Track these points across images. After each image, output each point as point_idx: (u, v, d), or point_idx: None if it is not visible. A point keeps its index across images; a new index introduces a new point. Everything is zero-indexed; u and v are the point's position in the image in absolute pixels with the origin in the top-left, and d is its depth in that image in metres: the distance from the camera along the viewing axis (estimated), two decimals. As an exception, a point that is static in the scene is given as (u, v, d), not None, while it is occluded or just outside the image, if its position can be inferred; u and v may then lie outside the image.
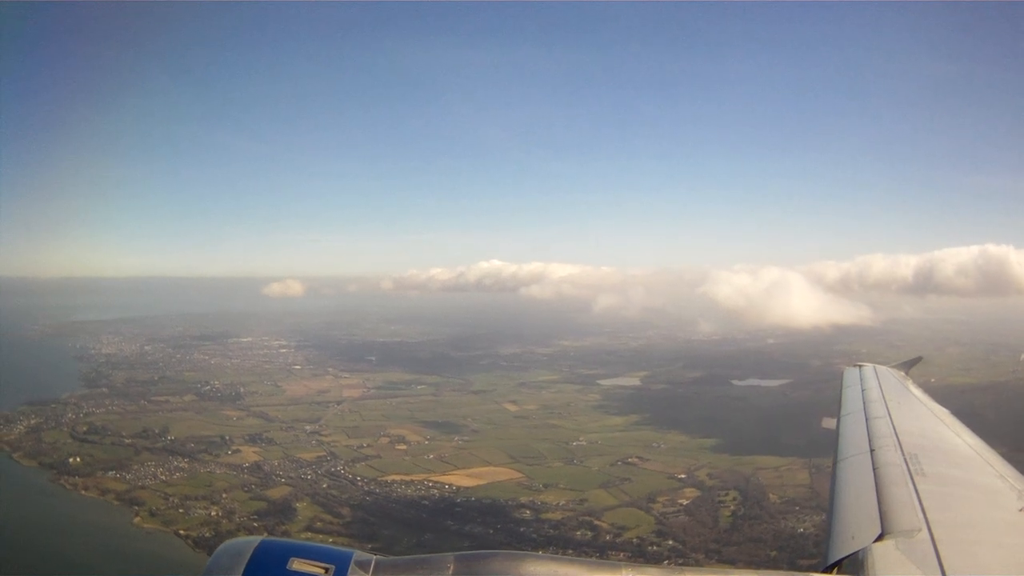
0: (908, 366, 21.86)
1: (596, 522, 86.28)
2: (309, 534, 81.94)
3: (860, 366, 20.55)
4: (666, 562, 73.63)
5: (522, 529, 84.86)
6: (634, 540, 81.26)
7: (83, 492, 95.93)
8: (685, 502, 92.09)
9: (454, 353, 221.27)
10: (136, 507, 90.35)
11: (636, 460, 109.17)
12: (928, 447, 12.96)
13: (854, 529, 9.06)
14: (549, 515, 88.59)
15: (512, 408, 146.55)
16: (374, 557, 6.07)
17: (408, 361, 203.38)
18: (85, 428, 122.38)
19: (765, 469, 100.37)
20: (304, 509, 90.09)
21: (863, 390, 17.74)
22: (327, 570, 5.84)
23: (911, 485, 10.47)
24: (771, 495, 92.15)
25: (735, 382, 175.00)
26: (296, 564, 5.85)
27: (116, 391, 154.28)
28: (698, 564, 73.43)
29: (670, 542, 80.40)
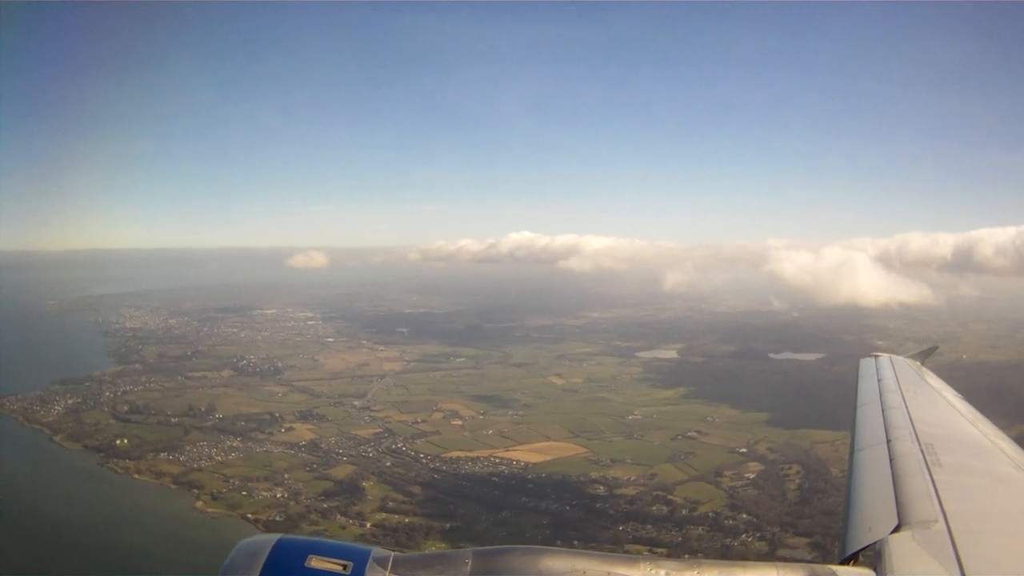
0: (924, 356, 21.66)
1: (670, 497, 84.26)
2: (384, 515, 79.60)
3: (876, 356, 20.41)
4: (743, 536, 74.57)
5: (598, 505, 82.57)
6: (709, 514, 79.58)
7: (136, 476, 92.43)
8: (751, 475, 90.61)
9: (485, 325, 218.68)
10: (196, 490, 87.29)
11: (695, 434, 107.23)
12: (944, 437, 13.00)
13: (871, 520, 9.10)
14: (623, 491, 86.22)
15: (558, 381, 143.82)
16: (392, 553, 6.10)
17: (440, 333, 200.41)
18: (127, 407, 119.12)
19: (821, 443, 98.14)
20: (372, 488, 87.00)
21: (879, 380, 17.74)
22: (345, 567, 5.85)
23: (927, 475, 10.53)
24: (832, 469, 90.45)
25: (772, 356, 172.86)
26: (314, 562, 5.88)
27: (150, 367, 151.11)
28: (774, 537, 73.38)
29: (744, 515, 79.02)
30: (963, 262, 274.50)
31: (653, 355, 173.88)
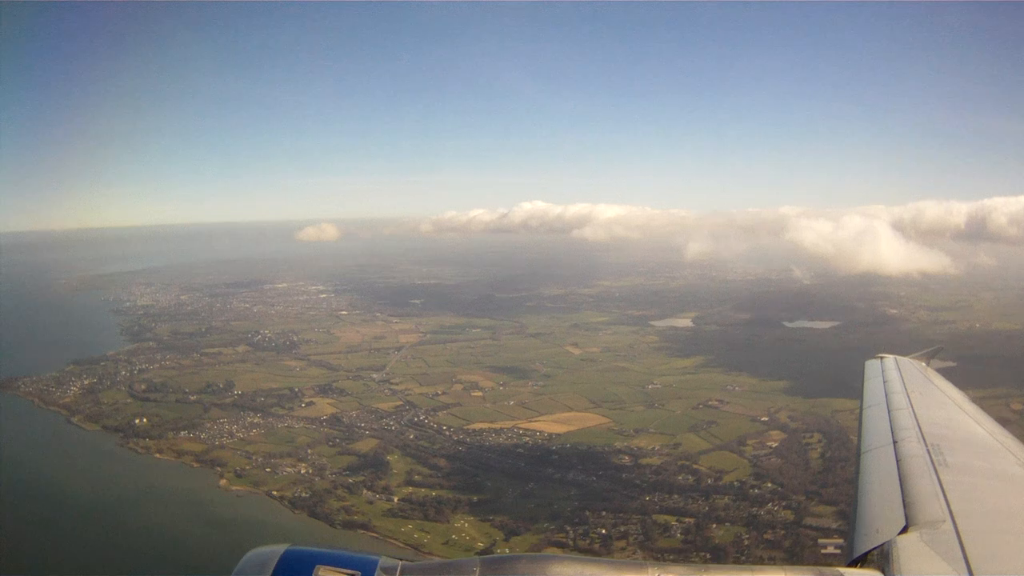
0: (929, 357, 21.72)
1: (695, 466, 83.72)
2: (411, 488, 78.93)
3: (881, 358, 20.48)
4: (769, 504, 73.44)
5: (624, 475, 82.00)
6: (735, 483, 78.94)
7: (157, 455, 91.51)
8: (774, 444, 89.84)
9: (497, 295, 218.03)
10: (219, 468, 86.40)
11: (716, 403, 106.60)
12: (951, 437, 13.14)
13: (879, 522, 9.19)
14: (648, 460, 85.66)
15: (575, 351, 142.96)
16: (400, 562, 6.21)
17: (453, 304, 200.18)
18: (144, 386, 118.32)
19: (841, 412, 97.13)
20: (396, 462, 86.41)
21: (884, 382, 17.80)
22: None
23: (935, 476, 10.63)
24: (853, 437, 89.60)
25: (786, 324, 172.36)
26: (322, 572, 5.98)
27: (164, 345, 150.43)
28: (800, 506, 72.56)
29: (769, 484, 78.13)
30: (977, 231, 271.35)
31: (668, 324, 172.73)
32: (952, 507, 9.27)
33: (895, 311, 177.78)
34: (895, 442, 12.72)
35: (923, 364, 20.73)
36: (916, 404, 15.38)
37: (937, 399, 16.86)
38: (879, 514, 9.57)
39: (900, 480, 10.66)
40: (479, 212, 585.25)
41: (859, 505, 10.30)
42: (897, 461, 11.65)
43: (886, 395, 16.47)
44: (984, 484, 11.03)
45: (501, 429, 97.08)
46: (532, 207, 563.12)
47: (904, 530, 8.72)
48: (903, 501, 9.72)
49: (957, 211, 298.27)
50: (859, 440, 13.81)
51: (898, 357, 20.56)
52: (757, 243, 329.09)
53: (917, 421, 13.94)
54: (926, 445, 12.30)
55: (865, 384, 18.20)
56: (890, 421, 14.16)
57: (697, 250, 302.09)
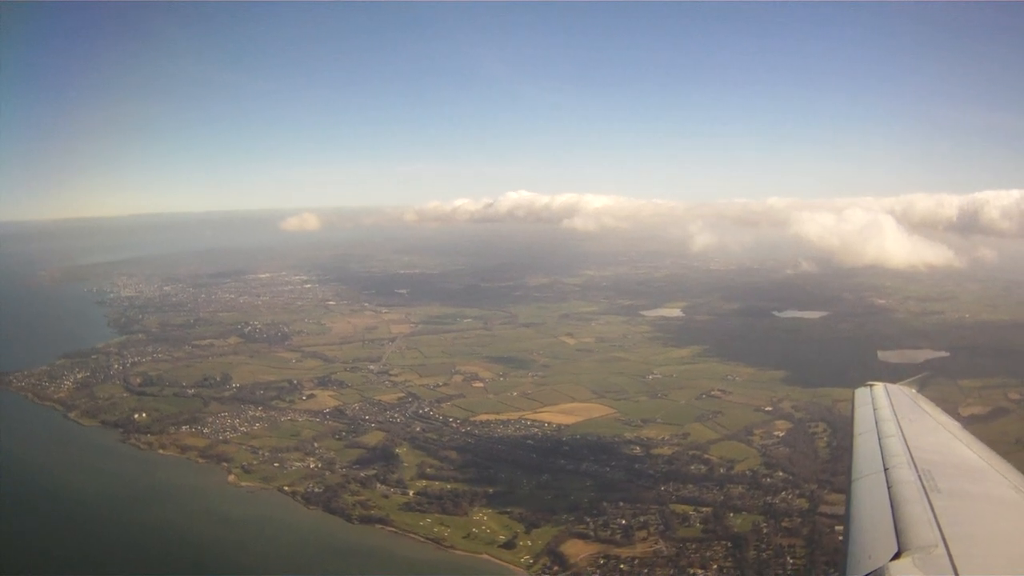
0: (919, 383, 22.04)
1: (705, 456, 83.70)
2: (424, 482, 77.97)
3: (871, 385, 20.77)
4: (783, 493, 72.98)
5: (637, 466, 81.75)
6: (747, 472, 79.11)
7: (160, 451, 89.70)
8: (780, 434, 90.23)
9: (483, 284, 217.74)
10: (225, 464, 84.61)
11: (719, 393, 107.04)
12: (942, 463, 13.27)
13: (871, 548, 9.26)
14: (659, 451, 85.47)
15: (570, 341, 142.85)
16: None
17: (440, 294, 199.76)
18: (139, 379, 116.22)
19: (842, 401, 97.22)
20: (406, 455, 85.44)
21: (874, 409, 18.14)
22: None
23: (926, 502, 10.79)
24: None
25: (776, 314, 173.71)
26: None
27: (154, 336, 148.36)
28: (813, 494, 72.39)
29: (780, 473, 78.46)
30: (969, 224, 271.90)
31: (658, 313, 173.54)
32: (944, 532, 9.39)
33: (883, 301, 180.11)
34: (886, 469, 12.81)
35: (913, 391, 20.83)
36: (906, 431, 15.59)
37: (927, 425, 16.96)
38: (871, 540, 9.64)
39: (892, 506, 10.75)
40: (464, 202, 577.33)
41: (851, 531, 10.39)
42: (888, 487, 11.73)
43: (876, 422, 16.80)
44: (977, 508, 11.14)
45: (508, 420, 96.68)
46: (518, 197, 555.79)
47: (897, 556, 8.79)
48: (895, 527, 9.79)
49: (948, 204, 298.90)
50: (849, 467, 13.88)
51: (888, 384, 20.73)
52: (758, 235, 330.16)
53: (908, 447, 14.09)
54: (917, 471, 12.43)
55: (855, 412, 18.44)
56: (880, 448, 14.32)
57: (704, 242, 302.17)
